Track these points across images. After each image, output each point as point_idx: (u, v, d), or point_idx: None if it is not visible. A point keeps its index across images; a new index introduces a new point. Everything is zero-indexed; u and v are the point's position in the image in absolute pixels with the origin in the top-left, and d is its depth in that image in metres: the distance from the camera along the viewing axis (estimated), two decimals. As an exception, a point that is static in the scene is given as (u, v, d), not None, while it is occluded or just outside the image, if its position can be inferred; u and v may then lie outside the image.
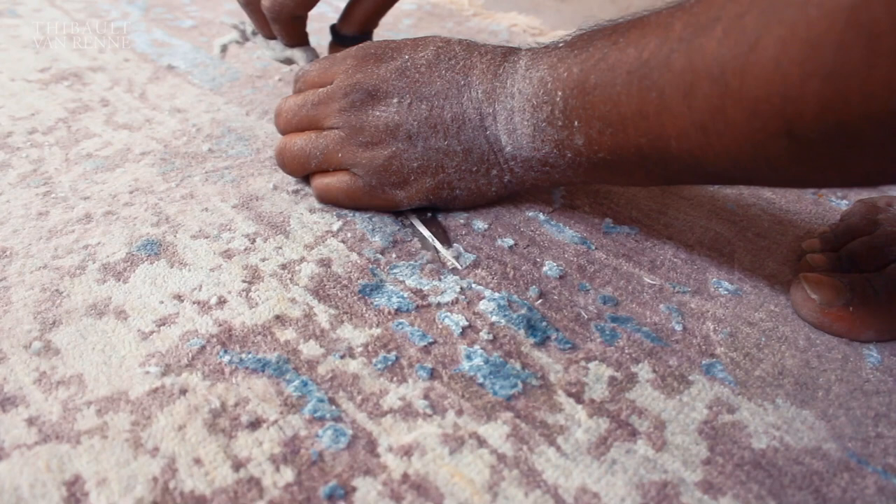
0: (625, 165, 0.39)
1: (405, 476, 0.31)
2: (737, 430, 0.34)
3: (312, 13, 0.55)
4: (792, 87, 0.28)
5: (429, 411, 0.34)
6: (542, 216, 0.49)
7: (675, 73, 0.33)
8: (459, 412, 0.34)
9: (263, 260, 0.43)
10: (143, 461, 0.31)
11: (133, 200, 0.48)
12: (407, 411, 0.34)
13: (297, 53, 0.56)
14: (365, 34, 0.58)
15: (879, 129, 0.27)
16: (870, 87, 0.26)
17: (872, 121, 0.27)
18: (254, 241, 0.45)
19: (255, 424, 0.33)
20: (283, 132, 0.49)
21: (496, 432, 0.33)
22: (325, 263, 0.43)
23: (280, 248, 0.44)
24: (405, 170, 0.45)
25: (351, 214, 0.48)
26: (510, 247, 0.46)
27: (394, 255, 0.44)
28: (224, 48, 0.60)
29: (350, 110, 0.45)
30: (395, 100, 0.44)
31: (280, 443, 0.32)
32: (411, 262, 0.44)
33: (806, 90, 0.27)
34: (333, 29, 0.58)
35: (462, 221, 0.48)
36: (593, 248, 0.46)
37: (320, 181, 0.48)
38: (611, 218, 0.49)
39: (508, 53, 0.44)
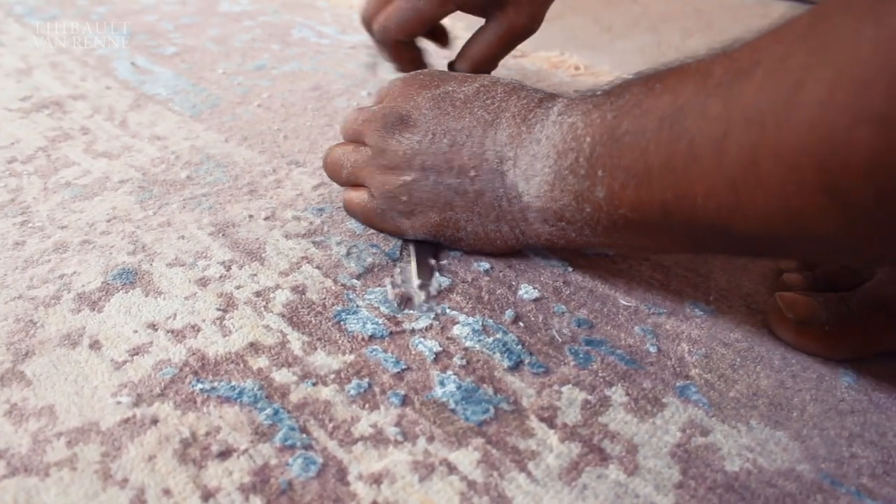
0: (647, 225, 0.36)
1: (374, 504, 0.31)
2: (710, 452, 0.34)
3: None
4: (838, 135, 0.24)
5: (400, 438, 0.34)
6: (519, 239, 0.49)
7: (708, 121, 0.30)
8: (430, 439, 0.34)
9: (238, 287, 0.43)
10: (111, 493, 0.31)
11: (110, 229, 0.48)
12: (378, 438, 0.34)
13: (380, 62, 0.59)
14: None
15: None
16: None
17: None
18: (229, 268, 0.45)
19: (225, 454, 0.33)
20: (342, 138, 0.51)
21: (467, 459, 0.33)
22: (299, 290, 0.43)
23: (255, 275, 0.44)
24: (413, 200, 0.45)
25: (327, 240, 0.48)
26: (486, 270, 0.46)
27: (370, 281, 0.44)
28: (373, 66, 0.62)
29: (381, 131, 0.45)
30: (421, 129, 0.44)
31: (250, 472, 0.32)
32: (387, 288, 0.44)
33: (854, 138, 0.24)
34: (450, 66, 0.59)
35: (437, 246, 0.48)
36: (570, 270, 0.46)
37: (347, 194, 0.50)
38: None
39: (545, 99, 0.43)
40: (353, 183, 0.49)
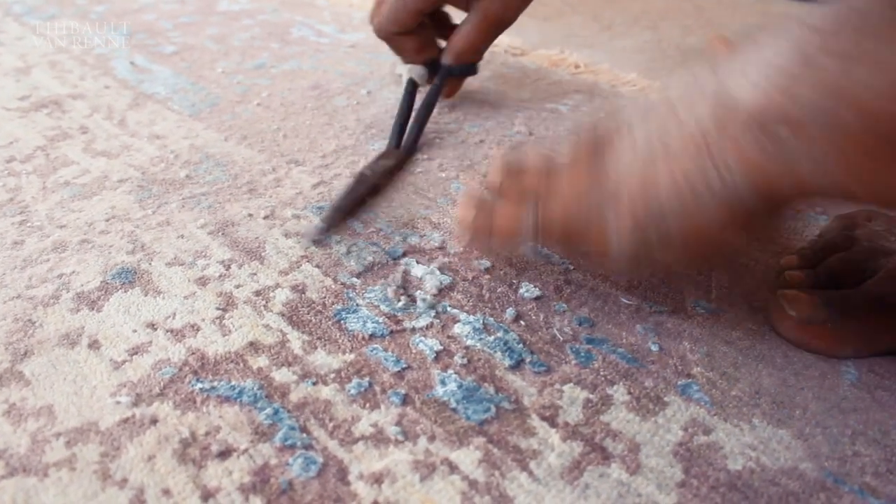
0: None
1: (375, 504, 0.31)
2: (712, 451, 0.34)
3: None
4: None
5: (401, 438, 0.34)
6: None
7: None
8: (431, 438, 0.34)
9: (238, 286, 0.43)
10: (110, 493, 0.30)
11: (109, 228, 0.48)
12: (379, 438, 0.34)
13: (404, 69, 0.62)
14: (469, 66, 0.60)
15: None
16: None
17: None
18: (228, 267, 0.44)
19: (225, 453, 0.32)
20: None
21: (468, 458, 0.33)
22: (299, 289, 0.43)
23: (255, 274, 0.44)
24: None
25: (326, 239, 0.47)
26: (487, 269, 0.45)
27: (370, 280, 0.44)
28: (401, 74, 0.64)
29: None
30: None
31: (250, 472, 0.32)
32: (386, 286, 0.43)
33: None
34: (436, 60, 0.60)
35: (437, 244, 0.48)
36: (571, 268, 0.46)
37: None
38: (589, 238, 0.49)
39: None
40: None
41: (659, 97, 0.37)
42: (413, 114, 0.61)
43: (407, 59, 0.61)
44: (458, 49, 0.58)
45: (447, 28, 0.64)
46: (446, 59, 0.60)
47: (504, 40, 0.89)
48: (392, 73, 0.67)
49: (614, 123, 0.39)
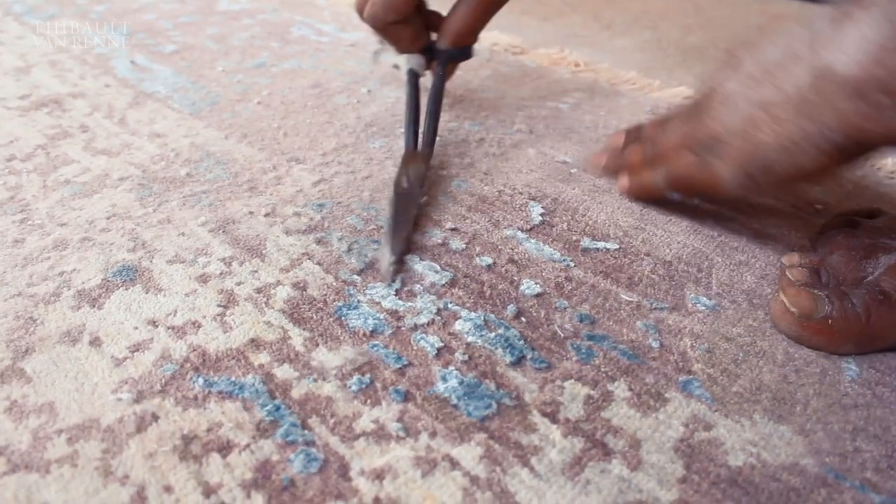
0: None
1: (377, 500, 0.30)
2: (713, 447, 0.34)
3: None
4: None
5: (402, 434, 0.34)
6: (520, 234, 0.49)
7: None
8: (433, 434, 0.34)
9: (239, 284, 0.43)
10: (112, 489, 0.30)
11: (110, 226, 0.48)
12: (380, 434, 0.34)
13: (401, 59, 0.61)
14: (464, 49, 0.59)
15: None
16: None
17: None
18: (230, 264, 0.44)
19: (226, 450, 0.32)
20: None
21: (469, 454, 0.33)
22: (300, 286, 0.43)
23: (256, 271, 0.44)
24: None
25: (327, 236, 0.47)
26: (488, 265, 0.45)
27: (370, 277, 0.44)
28: (377, 53, 0.63)
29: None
30: None
31: (251, 468, 0.32)
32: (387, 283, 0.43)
33: None
34: (430, 44, 0.59)
35: (439, 241, 0.48)
36: (572, 265, 0.46)
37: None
38: (589, 235, 0.49)
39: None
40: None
41: (755, 62, 0.42)
42: (423, 108, 0.60)
43: (403, 49, 0.60)
44: (456, 31, 0.57)
45: (430, 16, 0.63)
46: (443, 44, 0.59)
47: (504, 39, 0.89)
48: (373, 52, 0.65)
49: (713, 84, 0.45)
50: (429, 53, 0.61)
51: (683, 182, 0.48)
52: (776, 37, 0.42)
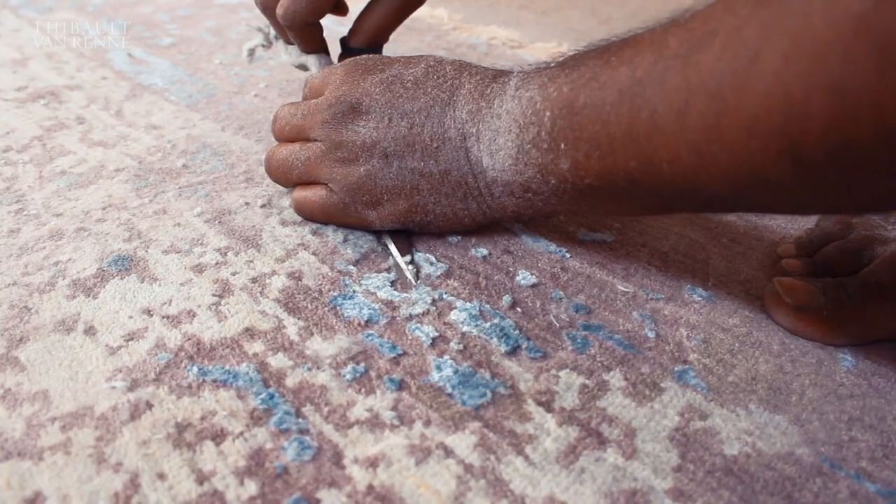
0: (613, 192, 0.37)
1: (370, 488, 0.30)
2: (708, 436, 0.34)
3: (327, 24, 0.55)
4: (795, 103, 0.26)
5: (396, 422, 0.34)
6: (516, 225, 0.49)
7: (668, 92, 0.31)
8: (427, 423, 0.34)
9: (234, 274, 0.43)
10: (105, 477, 0.30)
11: (105, 216, 0.48)
12: (374, 423, 0.34)
13: (310, 60, 0.56)
14: (374, 48, 0.57)
15: (891, 146, 0.25)
16: (880, 100, 0.24)
17: (883, 137, 0.24)
18: (225, 255, 0.44)
19: (220, 438, 0.32)
20: (276, 139, 0.49)
21: (463, 442, 0.33)
22: (295, 276, 0.43)
23: (251, 261, 0.44)
24: (378, 190, 0.44)
25: (323, 228, 0.47)
26: (484, 257, 0.45)
27: (366, 267, 0.44)
28: (251, 52, 0.60)
29: (332, 123, 0.44)
30: (376, 115, 0.44)
31: (245, 456, 0.32)
32: (383, 274, 0.43)
33: (810, 105, 0.25)
34: (343, 41, 0.57)
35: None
36: (568, 256, 0.46)
37: (299, 194, 0.48)
38: (585, 226, 0.49)
39: (499, 75, 0.43)
40: (305, 182, 0.47)
41: (392, 115, 0.44)
42: None
43: (311, 49, 0.56)
44: (371, 32, 0.54)
45: (342, 7, 0.58)
46: (356, 42, 0.55)
47: (502, 33, 0.89)
48: (247, 50, 0.62)
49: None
50: (346, 52, 0.57)
51: (313, 215, 0.48)
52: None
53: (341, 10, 0.58)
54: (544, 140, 0.38)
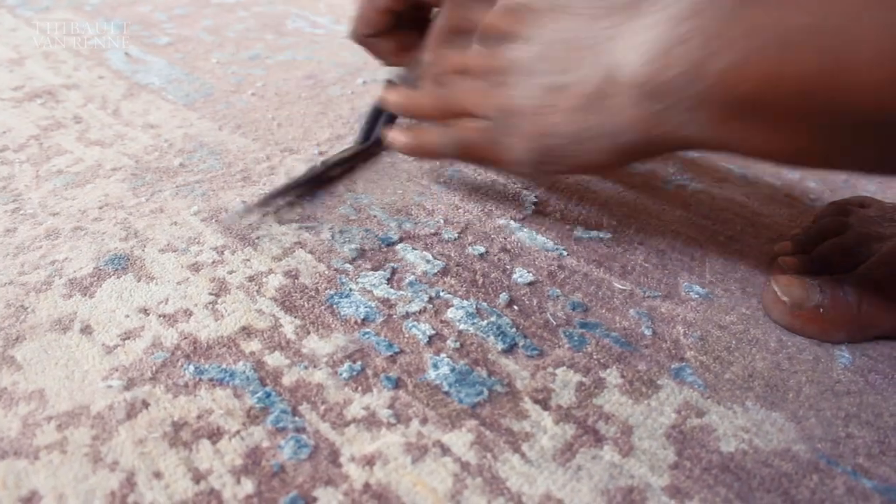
0: (775, 110, 0.29)
1: (367, 486, 0.30)
2: (705, 433, 0.34)
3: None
4: None
5: (393, 420, 0.34)
6: (513, 223, 0.49)
7: None
8: (424, 421, 0.34)
9: (231, 272, 0.43)
10: (101, 476, 0.30)
11: (102, 216, 0.48)
12: (371, 421, 0.34)
13: (392, 74, 0.57)
14: None
15: None
16: None
17: None
18: (222, 253, 0.44)
19: (216, 436, 0.32)
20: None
21: (460, 440, 0.33)
22: (292, 275, 0.43)
23: (248, 260, 0.44)
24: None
25: (319, 226, 0.47)
26: (481, 254, 0.45)
27: (362, 265, 0.44)
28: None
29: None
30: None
31: (241, 454, 0.32)
32: (380, 272, 0.43)
33: None
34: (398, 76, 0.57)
35: (432, 230, 0.47)
36: (565, 254, 0.46)
37: (461, 125, 0.45)
38: (582, 224, 0.49)
39: None
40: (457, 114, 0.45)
41: (551, 40, 0.40)
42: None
43: (388, 63, 0.56)
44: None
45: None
46: (414, 72, 0.55)
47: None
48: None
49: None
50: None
51: (473, 152, 0.44)
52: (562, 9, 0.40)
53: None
54: (704, 30, 0.31)
